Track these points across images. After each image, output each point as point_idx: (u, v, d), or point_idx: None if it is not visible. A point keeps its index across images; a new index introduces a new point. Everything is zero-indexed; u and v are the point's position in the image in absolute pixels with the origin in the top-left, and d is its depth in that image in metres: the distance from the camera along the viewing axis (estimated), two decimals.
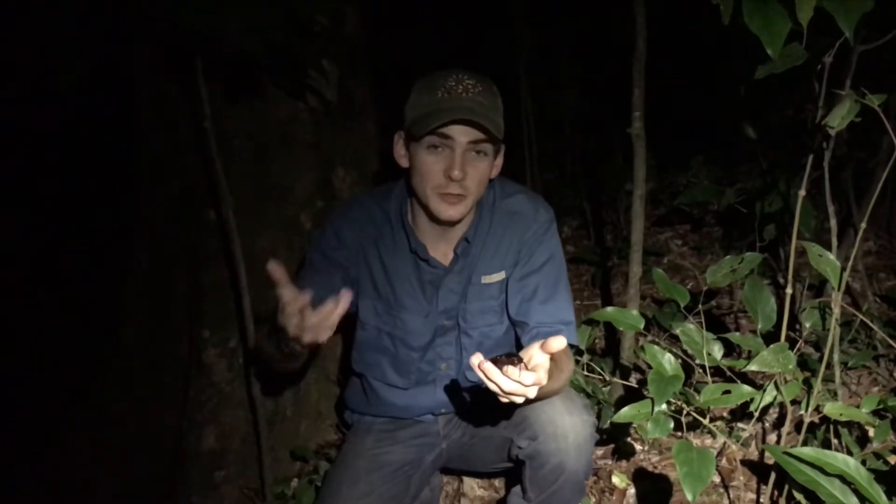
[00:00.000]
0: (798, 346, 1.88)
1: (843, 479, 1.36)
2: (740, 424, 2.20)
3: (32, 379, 3.42)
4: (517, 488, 1.80)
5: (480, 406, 1.88)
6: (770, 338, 1.77)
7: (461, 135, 1.63)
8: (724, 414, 2.25)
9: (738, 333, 1.93)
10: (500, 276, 1.86)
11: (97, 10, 2.57)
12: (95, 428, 2.65)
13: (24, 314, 4.01)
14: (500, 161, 1.80)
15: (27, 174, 4.32)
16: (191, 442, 2.39)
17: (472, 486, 2.27)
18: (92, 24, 2.69)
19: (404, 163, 1.76)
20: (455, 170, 1.64)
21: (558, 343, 1.26)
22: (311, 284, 1.61)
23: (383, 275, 1.85)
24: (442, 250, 1.84)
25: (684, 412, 1.69)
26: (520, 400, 1.30)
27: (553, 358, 1.35)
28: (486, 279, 1.86)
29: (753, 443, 2.18)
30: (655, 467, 2.18)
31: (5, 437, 2.95)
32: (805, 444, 1.74)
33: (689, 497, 1.40)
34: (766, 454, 2.00)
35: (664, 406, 1.58)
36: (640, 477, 2.14)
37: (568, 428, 1.65)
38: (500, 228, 1.84)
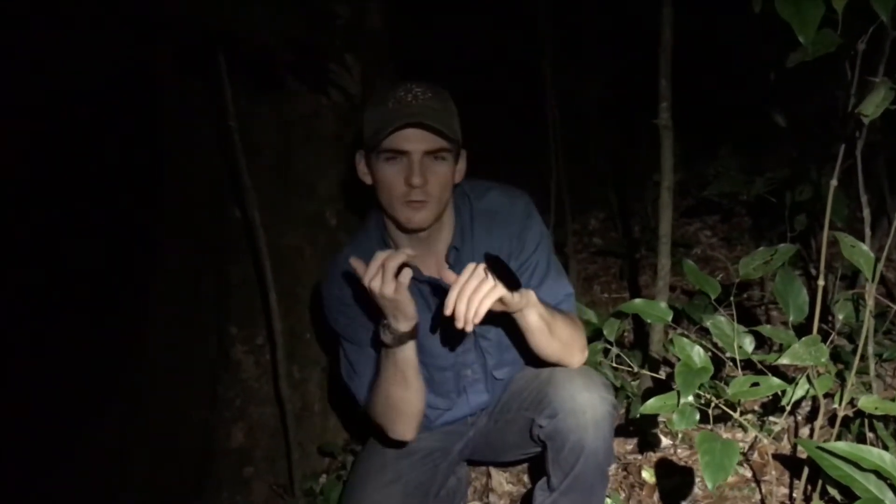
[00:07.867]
0: (831, 338, 1.84)
1: (879, 474, 1.33)
2: (772, 418, 2.16)
3: (63, 377, 3.48)
4: (542, 481, 1.80)
5: (506, 393, 1.92)
6: (802, 330, 1.74)
7: (414, 143, 1.63)
8: (756, 408, 2.21)
9: (769, 326, 1.90)
10: None
11: (122, 9, 2.59)
12: (125, 425, 2.68)
13: (54, 313, 4.07)
14: (462, 166, 1.78)
15: (56, 174, 4.38)
16: (219, 438, 2.41)
17: (500, 480, 2.27)
18: (117, 23, 2.72)
19: (368, 180, 1.75)
20: (415, 176, 1.63)
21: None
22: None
23: None
24: (433, 268, 1.79)
25: (713, 405, 1.67)
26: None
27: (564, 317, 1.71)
28: None
29: (785, 437, 2.15)
30: (685, 462, 2.16)
31: (37, 434, 3.00)
32: (839, 438, 1.71)
33: (709, 486, 1.37)
34: (799, 448, 1.97)
35: (692, 398, 1.56)
36: (667, 471, 2.12)
37: (586, 404, 1.65)
38: (483, 230, 1.82)
